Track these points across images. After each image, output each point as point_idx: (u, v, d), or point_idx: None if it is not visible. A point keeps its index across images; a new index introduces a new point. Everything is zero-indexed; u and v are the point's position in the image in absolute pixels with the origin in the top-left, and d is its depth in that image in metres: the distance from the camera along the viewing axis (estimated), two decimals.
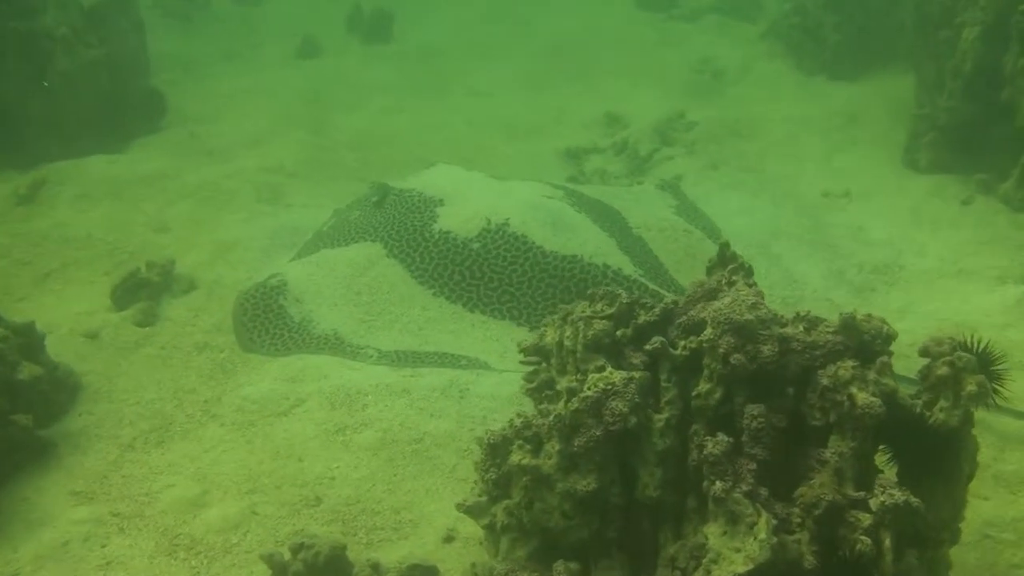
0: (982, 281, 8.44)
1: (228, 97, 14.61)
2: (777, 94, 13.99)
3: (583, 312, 5.38)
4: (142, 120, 12.99)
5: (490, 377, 7.54)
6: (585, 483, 4.84)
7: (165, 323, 8.51)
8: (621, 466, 4.90)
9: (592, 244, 8.38)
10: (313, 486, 6.47)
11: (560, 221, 8.55)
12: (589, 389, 4.85)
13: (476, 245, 8.37)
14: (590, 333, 5.20)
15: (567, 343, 5.30)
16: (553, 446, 4.94)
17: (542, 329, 5.61)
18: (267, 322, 8.21)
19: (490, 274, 8.25)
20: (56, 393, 7.28)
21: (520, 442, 5.06)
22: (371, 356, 7.84)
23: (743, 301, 4.84)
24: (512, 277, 8.21)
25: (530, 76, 16.02)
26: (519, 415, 5.20)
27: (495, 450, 5.17)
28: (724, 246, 5.72)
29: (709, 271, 5.74)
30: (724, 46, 16.17)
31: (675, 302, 5.31)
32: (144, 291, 8.70)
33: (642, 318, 5.28)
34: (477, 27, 18.71)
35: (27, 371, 6.94)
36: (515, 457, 5.02)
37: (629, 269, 8.24)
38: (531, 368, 5.94)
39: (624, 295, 5.41)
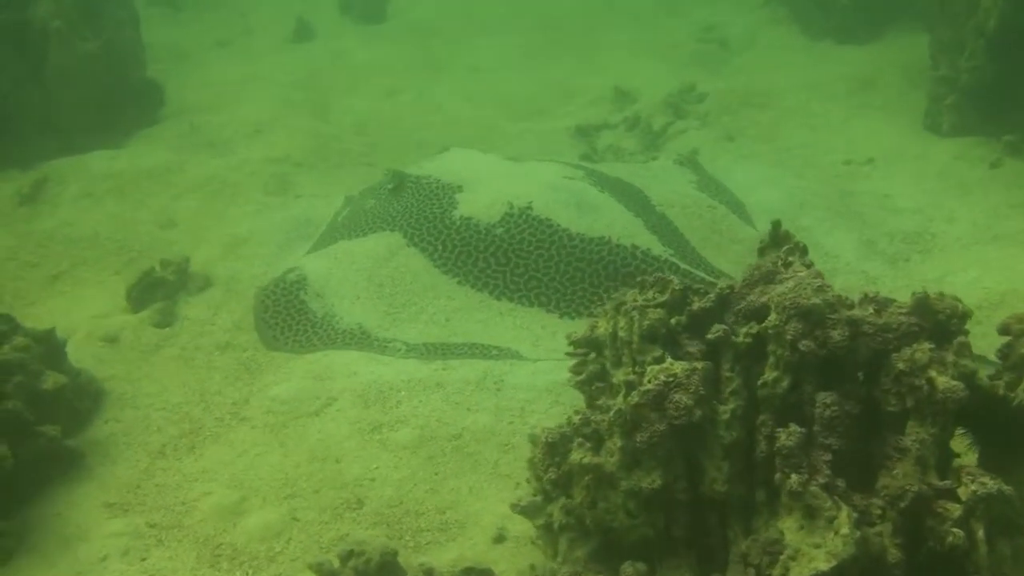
0: (1019, 246, 8.24)
1: (224, 85, 14.30)
2: (786, 61, 13.75)
3: (635, 301, 5.20)
4: (140, 113, 12.70)
5: (524, 367, 7.35)
6: (650, 480, 4.67)
7: (184, 323, 8.29)
8: (685, 460, 4.73)
9: (619, 225, 8.17)
10: (353, 488, 6.28)
11: (584, 202, 8.35)
12: (649, 382, 4.67)
13: (499, 230, 8.16)
14: (645, 323, 5.02)
15: (622, 334, 5.10)
16: (615, 443, 4.76)
17: (593, 320, 5.42)
18: (289, 318, 8.00)
19: (516, 260, 8.05)
20: (80, 400, 7.08)
21: (580, 440, 4.88)
22: (399, 350, 7.65)
23: (808, 284, 4.66)
24: (539, 262, 8.01)
25: (529, 50, 15.73)
26: (576, 411, 5.02)
27: (553, 449, 4.99)
28: (776, 225, 5.54)
29: (761, 252, 5.56)
30: (727, 13, 15.88)
31: (730, 286, 5.12)
32: (160, 291, 8.48)
33: (696, 305, 5.10)
34: (472, 1, 18.36)
35: (51, 380, 6.72)
36: (576, 456, 4.84)
37: (658, 249, 8.04)
38: (576, 359, 5.77)
39: (676, 281, 5.22)
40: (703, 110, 12.27)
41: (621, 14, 16.76)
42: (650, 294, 5.26)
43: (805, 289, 4.61)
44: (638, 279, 5.39)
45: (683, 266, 7.92)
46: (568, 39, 16.00)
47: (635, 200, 8.72)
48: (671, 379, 4.64)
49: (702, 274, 7.86)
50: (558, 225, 8.10)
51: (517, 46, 15.92)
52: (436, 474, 6.37)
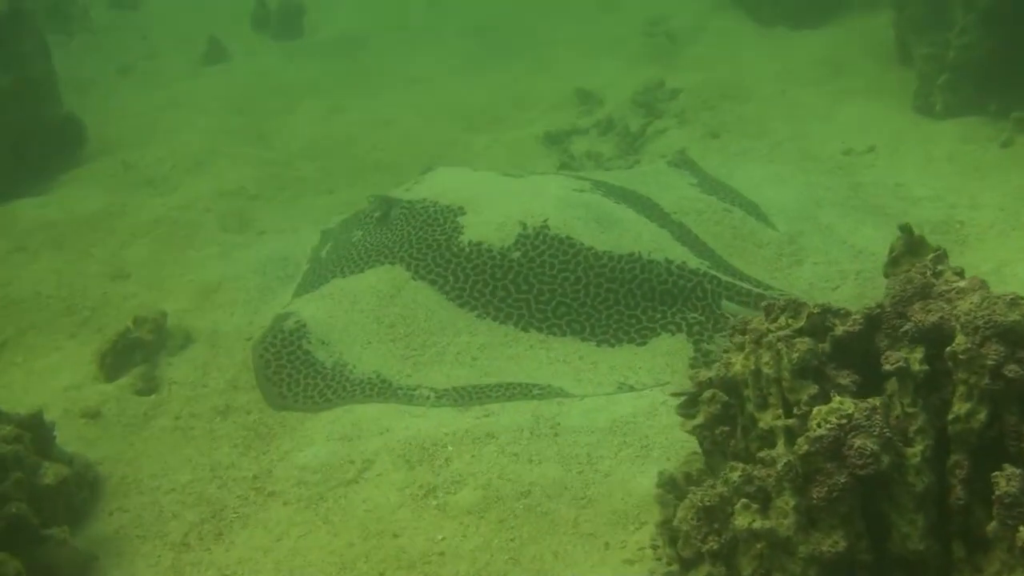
0: None
1: (145, 116, 13.20)
2: (743, 51, 13.21)
3: (767, 329, 4.53)
4: (61, 153, 11.60)
5: (575, 406, 6.63)
6: (831, 542, 3.99)
7: (171, 387, 7.34)
8: (864, 514, 4.07)
9: (647, 238, 7.50)
10: (422, 567, 5.46)
11: (604, 216, 7.66)
12: (819, 426, 4.00)
13: (516, 254, 7.42)
14: (795, 356, 4.32)
15: (766, 371, 4.40)
16: (786, 501, 4.07)
17: (724, 356, 4.70)
18: (295, 372, 7.13)
19: (539, 286, 7.32)
20: (78, 491, 6.12)
21: (744, 501, 4.17)
22: (428, 398, 6.85)
23: (999, 298, 4.02)
24: (565, 286, 7.29)
25: (467, 56, 14.94)
26: (732, 467, 4.29)
27: (711, 514, 4.27)
28: (907, 231, 4.94)
29: (894, 261, 4.98)
30: (668, 5, 15.30)
31: (879, 306, 4.47)
32: (138, 353, 7.53)
33: (840, 329, 4.43)
34: (394, 10, 17.48)
35: (52, 473, 5.78)
36: (742, 520, 4.13)
37: (694, 262, 7.39)
38: (682, 399, 5.09)
39: (811, 303, 4.57)
40: (678, 107, 11.66)
41: (554, 14, 16.04)
42: (782, 320, 4.60)
43: (997, 304, 3.97)
44: (763, 303, 4.73)
45: (724, 279, 7.28)
46: (505, 42, 15.25)
47: (651, 210, 8.08)
48: (846, 421, 3.98)
49: (746, 285, 7.25)
50: (581, 244, 7.40)
51: (454, 53, 15.11)
52: (512, 540, 5.59)
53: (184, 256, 9.24)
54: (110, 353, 7.47)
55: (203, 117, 12.81)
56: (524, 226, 7.52)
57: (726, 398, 4.72)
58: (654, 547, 4.84)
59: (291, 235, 9.36)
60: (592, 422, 6.41)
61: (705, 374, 4.71)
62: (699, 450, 5.24)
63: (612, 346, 7.10)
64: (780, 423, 4.22)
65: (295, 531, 5.84)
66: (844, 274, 7.66)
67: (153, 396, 7.27)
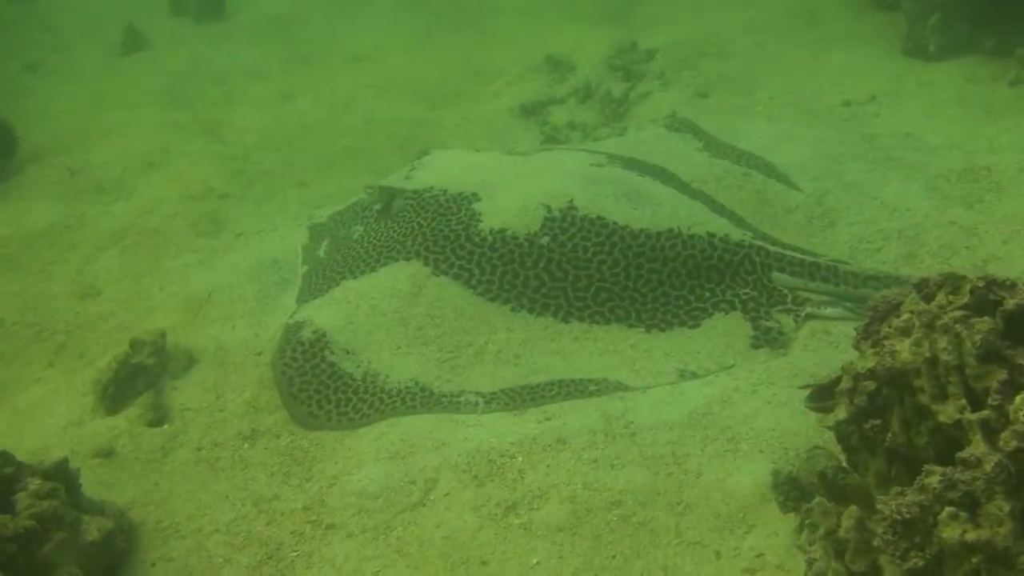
0: None
1: (72, 115, 12.19)
2: (702, 5, 12.80)
3: (937, 309, 4.09)
4: None
5: (641, 400, 6.15)
6: None
7: (185, 415, 6.65)
8: None
9: (684, 212, 7.04)
10: None
11: (633, 191, 7.16)
12: None
13: (544, 239, 6.90)
14: (978, 338, 3.89)
15: (945, 357, 3.96)
16: (999, 507, 3.63)
17: (886, 344, 4.23)
18: (322, 387, 6.50)
19: (574, 272, 6.81)
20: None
21: (949, 509, 3.73)
22: (476, 404, 6.30)
23: None
24: (602, 270, 6.80)
25: (411, 29, 14.18)
26: (929, 471, 3.85)
27: (911, 527, 3.83)
28: None
29: None
30: None
31: None
32: (142, 380, 6.83)
33: (1011, 303, 4.00)
34: None
35: (95, 527, 5.13)
36: (950, 531, 3.68)
37: (737, 234, 6.96)
38: (809, 391, 4.67)
39: (970, 276, 4.15)
40: (657, 68, 11.17)
41: None
42: (940, 297, 4.17)
43: None
44: (914, 281, 4.31)
45: (772, 249, 6.87)
46: (448, 10, 14.51)
47: (673, 181, 7.63)
48: None
49: (796, 255, 6.84)
50: (614, 222, 6.91)
51: (395, 26, 14.34)
52: (614, 558, 5.10)
53: (159, 267, 8.50)
54: (112, 383, 6.75)
55: (139, 112, 11.90)
56: (548, 208, 7.00)
57: (872, 388, 4.29)
58: (810, 561, 4.39)
59: (273, 235, 8.68)
60: (666, 417, 5.94)
61: (863, 364, 4.26)
62: (822, 446, 4.85)
63: (663, 331, 6.64)
64: (973, 416, 3.79)
65: (369, 567, 5.27)
66: (885, 234, 7.31)
67: (166, 426, 6.58)
